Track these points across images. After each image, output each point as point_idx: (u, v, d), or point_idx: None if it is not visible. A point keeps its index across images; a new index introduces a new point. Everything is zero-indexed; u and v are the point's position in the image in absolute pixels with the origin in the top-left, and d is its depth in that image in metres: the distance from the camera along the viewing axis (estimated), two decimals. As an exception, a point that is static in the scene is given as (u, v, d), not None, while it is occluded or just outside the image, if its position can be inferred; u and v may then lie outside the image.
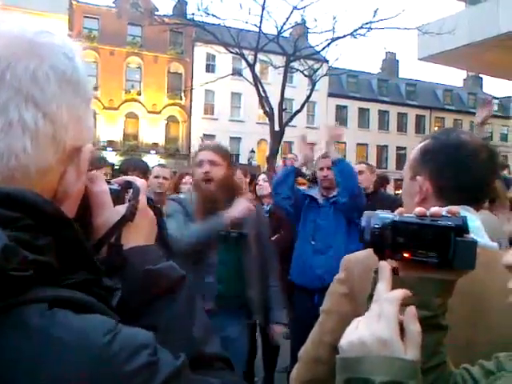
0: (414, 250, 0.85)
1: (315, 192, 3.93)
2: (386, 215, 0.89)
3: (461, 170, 1.18)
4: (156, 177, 4.07)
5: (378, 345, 0.73)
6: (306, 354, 1.25)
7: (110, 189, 0.75)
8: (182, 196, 3.10)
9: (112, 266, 0.70)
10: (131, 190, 0.77)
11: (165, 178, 4.30)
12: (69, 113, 0.63)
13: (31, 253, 0.53)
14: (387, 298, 0.77)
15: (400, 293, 0.78)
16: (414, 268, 0.86)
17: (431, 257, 0.84)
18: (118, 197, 0.76)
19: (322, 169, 3.86)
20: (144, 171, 3.72)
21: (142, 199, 0.76)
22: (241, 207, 2.70)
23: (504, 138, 44.15)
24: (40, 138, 0.60)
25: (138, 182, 0.78)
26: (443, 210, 0.86)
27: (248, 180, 5.05)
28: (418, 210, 0.87)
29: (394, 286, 0.82)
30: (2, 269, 0.49)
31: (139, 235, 0.74)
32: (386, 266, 0.82)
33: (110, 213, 0.73)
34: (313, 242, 3.71)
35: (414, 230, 0.85)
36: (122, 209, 0.74)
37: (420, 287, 0.85)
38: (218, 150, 2.80)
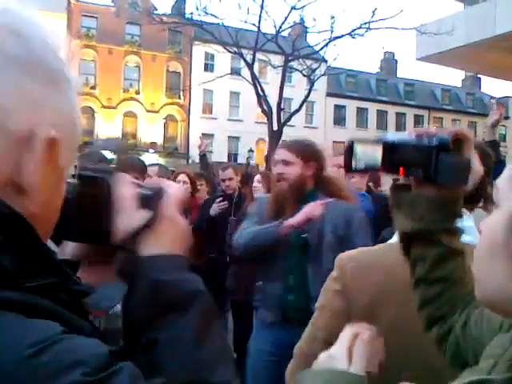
0: (407, 167, 0.93)
1: None
2: (392, 135, 0.97)
3: None
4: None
5: (326, 361, 0.80)
6: (300, 349, 1.28)
7: (141, 194, 0.71)
8: (265, 195, 2.95)
9: (125, 273, 0.68)
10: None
11: (148, 176, 4.27)
12: (14, 96, 0.56)
13: None
14: (345, 331, 0.88)
15: (353, 329, 0.88)
16: (416, 186, 0.95)
17: (418, 172, 0.92)
18: (148, 202, 0.71)
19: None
20: (141, 170, 3.71)
21: (171, 206, 0.72)
22: (301, 214, 2.42)
23: (502, 138, 44.25)
24: None
25: (171, 187, 0.74)
26: (440, 131, 0.94)
27: (239, 178, 5.02)
28: (417, 129, 0.95)
29: (399, 202, 0.96)
30: None
31: (162, 244, 0.69)
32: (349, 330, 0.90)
33: (130, 218, 0.69)
34: None
35: (408, 149, 0.93)
36: (144, 214, 0.70)
37: (415, 202, 0.94)
38: (292, 148, 2.60)
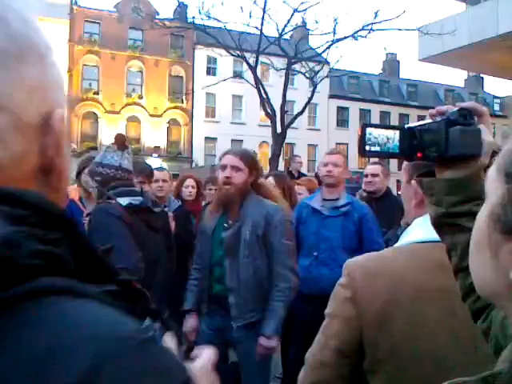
0: (423, 149, 0.93)
1: (317, 199, 3.70)
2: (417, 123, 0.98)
3: None
4: (155, 180, 4.06)
5: None
6: (311, 357, 1.26)
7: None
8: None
9: None
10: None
11: (164, 180, 4.32)
12: (19, 88, 0.54)
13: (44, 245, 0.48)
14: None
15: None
16: (437, 170, 0.94)
17: (432, 152, 0.91)
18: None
19: (326, 164, 3.66)
20: (148, 175, 3.71)
21: (205, 367, 0.72)
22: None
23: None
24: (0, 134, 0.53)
25: (206, 352, 0.75)
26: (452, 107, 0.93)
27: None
28: (430, 111, 0.94)
29: (423, 189, 0.94)
30: (6, 257, 0.43)
31: None
32: None
33: None
34: (315, 253, 3.53)
35: (423, 131, 0.93)
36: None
37: (433, 187, 0.92)
38: (241, 156, 2.94)
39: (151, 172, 3.75)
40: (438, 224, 0.94)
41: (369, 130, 0.95)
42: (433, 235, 1.06)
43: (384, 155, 0.98)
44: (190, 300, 3.04)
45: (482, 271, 0.62)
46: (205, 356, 0.74)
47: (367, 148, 0.95)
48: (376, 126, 0.96)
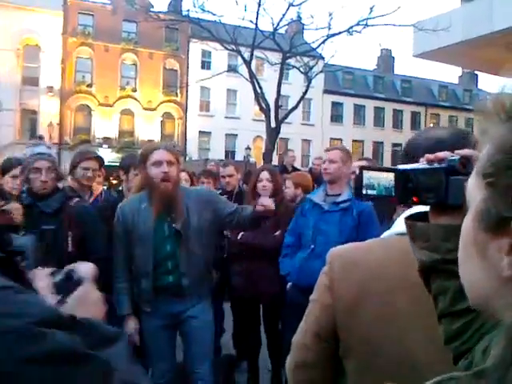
0: (419, 193, 0.93)
1: (320, 194, 3.74)
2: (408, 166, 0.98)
3: None
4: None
5: None
6: (295, 342, 1.31)
7: (53, 282, 0.84)
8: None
9: None
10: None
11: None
12: None
13: None
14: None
15: None
16: (432, 216, 0.93)
17: (430, 198, 0.91)
18: (61, 287, 0.84)
19: (324, 161, 3.77)
20: None
21: (85, 286, 0.84)
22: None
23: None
24: None
25: (83, 268, 0.86)
26: (451, 154, 0.92)
27: (239, 176, 5.01)
28: (427, 156, 0.93)
29: (409, 233, 0.92)
30: None
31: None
32: None
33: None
34: (312, 246, 3.56)
35: (419, 175, 0.93)
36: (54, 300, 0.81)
37: (429, 231, 0.90)
38: (172, 151, 3.01)
39: None
40: (428, 270, 0.92)
41: (366, 173, 0.96)
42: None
43: (381, 198, 0.98)
44: (127, 304, 3.02)
45: (473, 277, 0.62)
46: (84, 270, 0.87)
47: (364, 192, 0.96)
48: (373, 169, 0.97)
